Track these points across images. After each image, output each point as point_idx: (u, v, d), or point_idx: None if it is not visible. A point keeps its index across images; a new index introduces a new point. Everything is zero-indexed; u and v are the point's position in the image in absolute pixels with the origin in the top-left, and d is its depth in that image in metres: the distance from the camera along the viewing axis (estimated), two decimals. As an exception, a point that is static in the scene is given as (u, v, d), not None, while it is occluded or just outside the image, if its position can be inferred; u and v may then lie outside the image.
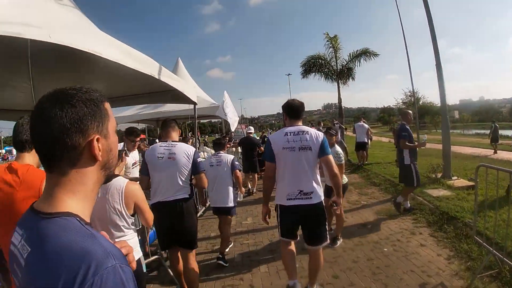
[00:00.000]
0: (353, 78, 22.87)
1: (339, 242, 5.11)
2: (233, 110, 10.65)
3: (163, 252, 4.58)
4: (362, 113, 73.10)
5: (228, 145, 11.36)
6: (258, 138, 15.11)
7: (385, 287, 3.81)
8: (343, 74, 22.32)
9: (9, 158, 46.87)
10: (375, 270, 4.22)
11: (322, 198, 3.44)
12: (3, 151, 52.16)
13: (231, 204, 4.86)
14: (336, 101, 22.61)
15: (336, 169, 3.38)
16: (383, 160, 12.97)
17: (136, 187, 2.59)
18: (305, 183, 3.34)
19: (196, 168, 3.50)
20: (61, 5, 4.81)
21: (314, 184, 3.36)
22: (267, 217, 3.65)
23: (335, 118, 19.69)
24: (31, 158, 2.07)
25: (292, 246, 3.62)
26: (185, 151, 3.50)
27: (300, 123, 3.58)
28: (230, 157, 5.08)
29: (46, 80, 6.70)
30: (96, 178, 0.96)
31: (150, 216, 2.65)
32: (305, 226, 3.49)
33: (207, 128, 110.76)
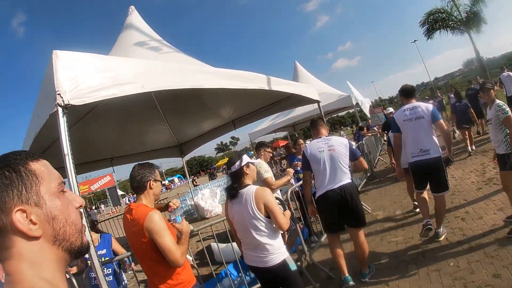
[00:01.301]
0: (484, 22, 19.34)
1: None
2: (361, 96, 10.01)
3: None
4: (508, 60, 59.33)
5: (368, 134, 10.72)
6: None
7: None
8: (470, 22, 19.12)
9: (172, 186, 56.39)
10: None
11: (440, 153, 4.26)
12: (167, 181, 63.78)
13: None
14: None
15: (445, 127, 4.30)
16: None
17: (267, 191, 2.73)
18: (423, 143, 4.28)
19: (353, 155, 3.87)
20: (163, 54, 5.48)
21: (431, 143, 4.26)
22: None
23: (479, 75, 16.50)
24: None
25: (425, 195, 4.56)
26: (340, 141, 3.91)
27: (413, 100, 4.54)
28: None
29: (178, 118, 7.81)
30: (52, 257, 0.75)
31: (282, 219, 2.67)
32: (429, 176, 4.38)
33: (347, 120, 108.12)
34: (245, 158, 2.85)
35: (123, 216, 2.59)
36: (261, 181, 4.46)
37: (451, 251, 3.86)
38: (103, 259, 4.08)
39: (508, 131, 3.78)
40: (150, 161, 2.70)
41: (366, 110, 9.75)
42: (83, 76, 2.63)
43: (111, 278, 4.15)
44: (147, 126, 7.67)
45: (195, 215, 12.25)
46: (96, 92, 2.67)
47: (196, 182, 39.32)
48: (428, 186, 4.53)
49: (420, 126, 4.29)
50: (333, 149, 3.82)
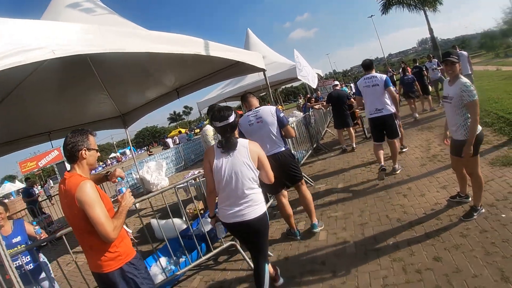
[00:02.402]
0: (440, 3, 19.80)
1: (476, 214, 3.60)
2: (309, 67, 9.78)
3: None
4: (461, 42, 62.50)
5: (317, 106, 10.63)
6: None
7: (501, 274, 2.63)
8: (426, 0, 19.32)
9: (123, 159, 55.03)
10: (489, 247, 2.99)
11: (392, 111, 5.56)
12: (118, 154, 61.53)
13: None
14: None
15: (393, 93, 5.56)
16: (494, 93, 10.60)
17: (258, 145, 2.91)
18: (378, 104, 5.56)
19: (281, 122, 4.08)
20: (97, 15, 4.90)
21: (383, 104, 5.54)
22: None
23: (431, 53, 16.99)
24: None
25: (381, 147, 5.71)
26: (268, 111, 4.10)
27: (372, 71, 5.84)
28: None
29: (119, 86, 7.29)
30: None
31: (271, 172, 2.89)
32: (384, 128, 5.62)
33: (301, 91, 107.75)
34: (234, 111, 2.91)
35: (58, 187, 2.50)
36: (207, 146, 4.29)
37: (390, 229, 3.81)
38: (19, 247, 3.74)
39: (469, 116, 3.39)
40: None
41: (311, 83, 9.58)
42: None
43: (31, 266, 3.80)
44: (86, 95, 7.10)
45: (141, 189, 11.75)
46: None
47: (150, 152, 39.10)
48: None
49: (375, 91, 5.55)
50: (261, 120, 4.06)
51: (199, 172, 6.64)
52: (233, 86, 12.90)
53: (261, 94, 16.60)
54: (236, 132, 2.92)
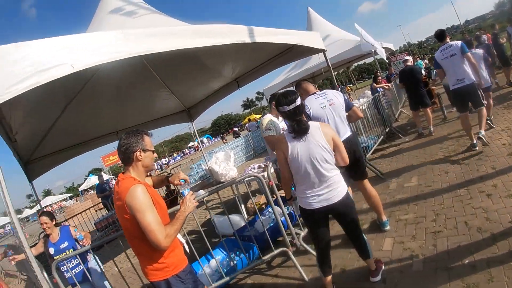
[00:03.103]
0: None
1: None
2: (375, 41, 8.86)
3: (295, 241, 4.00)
4: None
5: (387, 87, 9.64)
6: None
7: None
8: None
9: (203, 146, 56.13)
10: None
11: (473, 80, 5.25)
12: (195, 143, 63.47)
13: None
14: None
15: (471, 59, 5.21)
16: None
17: (329, 126, 2.88)
18: (459, 74, 5.32)
19: (348, 105, 3.90)
20: (138, 17, 4.84)
21: (464, 73, 5.26)
22: None
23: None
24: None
25: (468, 118, 5.50)
26: (336, 94, 3.92)
27: (447, 40, 5.54)
28: None
29: (179, 83, 7.49)
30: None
31: (345, 153, 2.77)
32: (467, 98, 5.41)
33: (375, 67, 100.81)
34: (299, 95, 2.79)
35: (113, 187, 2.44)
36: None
37: (468, 243, 3.09)
38: (67, 252, 3.90)
39: None
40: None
41: (383, 52, 8.65)
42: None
43: (78, 270, 3.96)
44: (149, 95, 7.46)
45: (211, 179, 11.98)
46: (13, 87, 2.32)
47: (225, 140, 40.49)
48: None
49: (454, 61, 5.32)
50: (333, 102, 3.80)
51: (259, 166, 6.44)
52: (298, 70, 12.32)
53: (329, 77, 15.78)
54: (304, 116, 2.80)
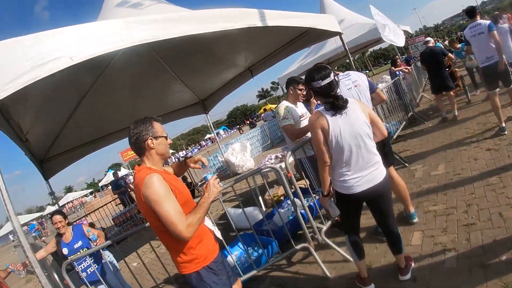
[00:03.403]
0: None
1: None
2: (391, 24, 8.44)
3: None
4: None
5: (406, 70, 9.23)
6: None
7: None
8: None
9: (219, 138, 55.98)
10: None
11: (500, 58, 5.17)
12: (212, 135, 63.94)
13: None
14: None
15: (496, 37, 5.14)
16: None
17: (360, 101, 2.72)
18: (487, 52, 5.30)
19: (372, 87, 3.66)
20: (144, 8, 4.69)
21: (492, 51, 5.23)
22: None
23: None
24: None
25: (497, 95, 5.32)
26: (359, 75, 3.67)
27: (477, 18, 5.50)
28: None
29: (192, 74, 7.38)
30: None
31: (383, 125, 2.69)
32: (498, 76, 5.30)
33: (391, 52, 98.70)
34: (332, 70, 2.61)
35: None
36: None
37: (505, 237, 2.80)
38: (82, 251, 3.82)
39: None
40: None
41: (396, 42, 8.25)
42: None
43: (92, 269, 3.87)
44: (163, 88, 7.42)
45: (228, 171, 11.88)
46: (11, 83, 2.24)
47: (242, 131, 40.22)
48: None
49: (482, 40, 5.33)
50: (358, 83, 3.54)
51: (276, 156, 6.22)
52: (313, 56, 12.06)
53: (345, 63, 15.35)
54: None
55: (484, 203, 3.39)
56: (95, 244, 3.92)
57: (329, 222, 3.82)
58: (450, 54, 7.22)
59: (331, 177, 2.60)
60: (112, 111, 6.61)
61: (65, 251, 3.90)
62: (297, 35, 6.07)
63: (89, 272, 3.85)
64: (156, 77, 6.77)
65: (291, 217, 4.46)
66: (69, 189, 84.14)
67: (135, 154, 2.14)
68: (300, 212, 3.56)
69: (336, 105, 2.39)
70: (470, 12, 5.61)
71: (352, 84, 3.53)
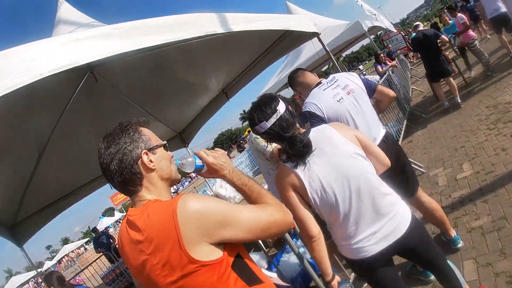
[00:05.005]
0: None
1: None
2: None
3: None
4: None
5: (394, 65, 8.69)
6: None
7: None
8: None
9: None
10: None
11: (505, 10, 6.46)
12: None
13: None
14: None
15: None
16: None
17: (341, 124, 2.25)
18: (494, 5, 6.64)
19: (370, 86, 2.75)
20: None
21: (499, 4, 6.52)
22: None
23: None
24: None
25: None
26: (349, 76, 2.78)
27: None
28: None
29: (162, 107, 6.75)
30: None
31: (381, 152, 1.89)
32: (503, 23, 6.65)
33: (363, 54, 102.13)
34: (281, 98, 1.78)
35: (117, 241, 1.38)
36: (263, 158, 3.15)
37: None
38: None
39: None
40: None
41: (385, 23, 7.83)
42: None
43: None
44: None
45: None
46: None
47: (230, 157, 39.56)
48: None
49: None
50: (351, 88, 2.64)
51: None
52: (290, 67, 11.42)
53: (323, 69, 14.94)
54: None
55: (542, 205, 2.61)
56: None
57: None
58: (443, 36, 6.65)
59: (335, 241, 1.83)
60: (82, 160, 5.77)
61: None
62: (271, 43, 5.44)
63: None
64: (123, 114, 5.96)
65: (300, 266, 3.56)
66: (65, 241, 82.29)
67: (125, 196, 1.38)
68: (308, 261, 2.67)
69: (293, 154, 1.66)
70: None
71: (343, 91, 2.66)
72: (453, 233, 2.77)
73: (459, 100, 6.24)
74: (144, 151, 1.19)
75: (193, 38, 2.88)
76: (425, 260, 1.87)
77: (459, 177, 3.80)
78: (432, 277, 2.55)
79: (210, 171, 1.34)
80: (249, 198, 1.29)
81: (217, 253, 1.05)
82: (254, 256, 4.21)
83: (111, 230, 27.07)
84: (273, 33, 4.37)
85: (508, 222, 2.68)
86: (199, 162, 1.31)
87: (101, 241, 10.21)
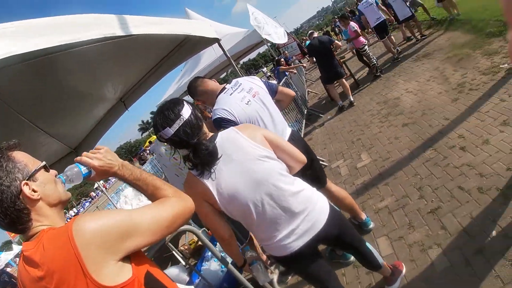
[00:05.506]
0: None
1: None
2: (271, 21, 8.32)
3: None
4: None
5: (292, 70, 9.19)
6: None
7: None
8: None
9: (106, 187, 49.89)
10: None
11: (385, 17, 8.21)
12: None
13: None
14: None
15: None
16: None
17: (249, 125, 2.12)
18: (377, 15, 8.30)
19: (272, 88, 2.81)
20: None
21: (380, 14, 8.22)
22: None
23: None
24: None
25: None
26: (251, 80, 2.81)
27: None
28: None
29: (53, 121, 5.94)
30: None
31: (295, 150, 1.87)
32: (385, 31, 8.37)
33: (260, 62, 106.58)
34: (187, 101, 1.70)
35: (18, 283, 1.10)
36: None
37: (479, 210, 2.44)
38: None
39: None
40: None
41: (277, 39, 8.16)
42: None
43: None
44: (22, 143, 5.47)
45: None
46: None
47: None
48: None
49: (372, 9, 8.12)
50: (256, 91, 2.68)
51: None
52: (189, 75, 11.29)
53: (221, 76, 15.08)
54: (206, 127, 1.77)
55: (435, 181, 3.02)
56: None
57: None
58: (336, 41, 7.23)
59: (257, 240, 1.91)
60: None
61: None
62: (172, 48, 5.20)
63: None
64: (12, 133, 5.10)
65: (223, 269, 3.47)
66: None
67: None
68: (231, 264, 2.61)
69: (200, 161, 1.61)
70: None
71: (249, 94, 2.68)
72: (363, 216, 3.00)
73: (352, 99, 6.85)
74: (24, 182, 1.05)
75: (91, 41, 2.59)
76: (348, 245, 1.99)
77: (359, 166, 4.17)
78: (352, 258, 2.75)
79: (100, 174, 1.24)
80: (145, 192, 1.25)
81: (126, 272, 0.98)
82: (174, 270, 3.97)
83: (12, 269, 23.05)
84: (173, 38, 4.20)
85: (411, 199, 3.02)
86: (85, 169, 1.20)
87: (2, 280, 8.79)
